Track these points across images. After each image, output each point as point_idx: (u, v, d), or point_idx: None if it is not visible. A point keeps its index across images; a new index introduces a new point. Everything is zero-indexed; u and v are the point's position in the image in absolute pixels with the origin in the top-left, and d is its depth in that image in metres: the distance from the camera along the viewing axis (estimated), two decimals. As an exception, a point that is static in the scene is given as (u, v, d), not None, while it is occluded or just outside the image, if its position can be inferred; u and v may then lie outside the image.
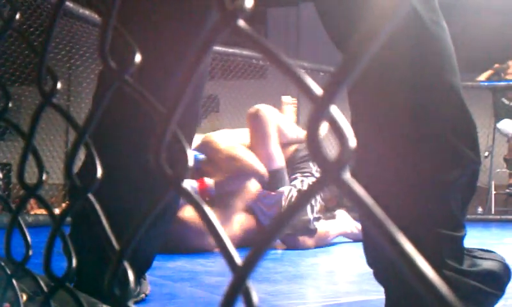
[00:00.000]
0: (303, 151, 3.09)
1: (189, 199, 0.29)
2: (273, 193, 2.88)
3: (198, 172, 2.84)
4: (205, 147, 2.89)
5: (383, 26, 0.19)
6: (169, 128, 0.27)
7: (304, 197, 0.21)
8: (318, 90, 0.21)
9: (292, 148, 3.12)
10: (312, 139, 0.20)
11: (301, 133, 3.20)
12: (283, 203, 2.87)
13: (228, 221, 2.72)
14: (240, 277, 0.23)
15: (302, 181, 3.00)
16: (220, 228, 0.26)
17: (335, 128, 0.20)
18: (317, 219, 2.96)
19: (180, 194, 0.28)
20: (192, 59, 0.27)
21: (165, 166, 0.28)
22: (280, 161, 2.95)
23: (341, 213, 3.36)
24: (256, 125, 2.90)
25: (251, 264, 0.23)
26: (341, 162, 0.20)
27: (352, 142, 0.21)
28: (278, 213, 2.62)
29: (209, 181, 2.76)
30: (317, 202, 3.07)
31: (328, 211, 3.31)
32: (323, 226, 3.02)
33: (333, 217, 3.32)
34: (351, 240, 3.25)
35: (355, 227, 3.25)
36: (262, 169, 2.83)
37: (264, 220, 2.87)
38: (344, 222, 3.27)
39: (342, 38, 0.91)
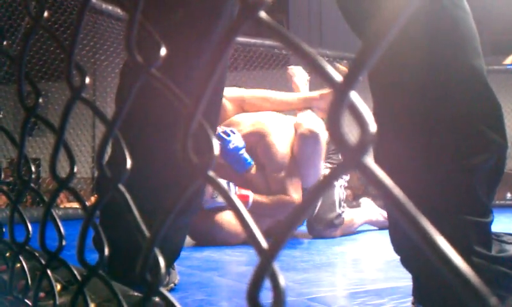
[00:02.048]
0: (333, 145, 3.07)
1: (217, 186, 0.30)
2: None
3: (242, 177, 2.71)
4: (264, 147, 2.68)
5: (400, 11, 0.20)
6: (194, 118, 0.28)
7: (327, 181, 0.22)
8: (338, 77, 0.21)
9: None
10: (334, 125, 0.21)
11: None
12: None
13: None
14: (267, 260, 0.24)
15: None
16: (247, 214, 0.27)
17: (356, 113, 0.21)
18: (343, 212, 2.96)
19: (208, 182, 0.29)
20: (215, 50, 0.28)
21: (192, 155, 0.29)
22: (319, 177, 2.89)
23: (366, 201, 3.35)
24: (312, 148, 2.71)
25: (277, 247, 0.23)
26: (362, 147, 0.21)
27: (373, 127, 0.21)
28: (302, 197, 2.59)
29: (249, 194, 2.63)
30: (344, 194, 3.06)
31: (354, 199, 3.31)
32: (349, 215, 3.02)
33: (358, 205, 3.32)
34: (377, 228, 3.24)
35: (380, 214, 3.25)
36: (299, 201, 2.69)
37: None
38: (369, 210, 3.26)
39: (361, 26, 0.91)
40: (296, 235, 2.91)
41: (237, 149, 2.64)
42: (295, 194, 2.67)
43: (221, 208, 2.56)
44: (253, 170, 2.71)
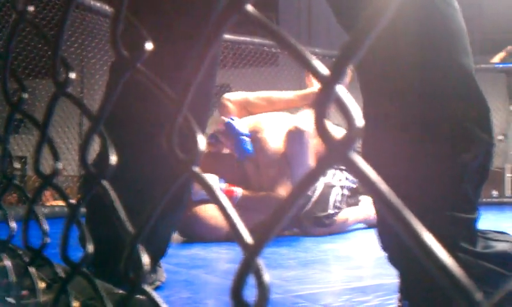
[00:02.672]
0: None
1: (201, 182, 0.29)
2: None
3: (240, 165, 2.78)
4: (259, 143, 2.78)
5: (388, 5, 0.20)
6: (180, 112, 0.28)
7: (312, 176, 0.22)
8: (325, 71, 0.21)
9: None
10: (320, 118, 0.21)
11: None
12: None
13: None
14: (251, 255, 0.23)
15: (334, 174, 3.01)
16: (231, 209, 0.27)
17: (342, 107, 0.21)
18: (337, 213, 2.95)
19: (192, 177, 0.29)
20: (202, 44, 0.28)
21: (177, 150, 0.29)
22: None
23: (365, 199, 3.29)
24: (298, 145, 2.76)
25: (261, 243, 0.23)
26: (348, 141, 0.20)
27: (360, 121, 0.21)
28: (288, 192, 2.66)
29: (237, 190, 2.69)
30: (344, 196, 3.04)
31: (353, 196, 3.24)
32: (343, 214, 3.00)
33: (357, 203, 3.25)
34: (366, 226, 3.23)
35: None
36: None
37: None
38: (367, 208, 3.21)
39: (350, 22, 0.91)
40: (283, 233, 2.91)
41: (241, 133, 2.75)
42: (282, 192, 2.69)
43: (208, 200, 2.60)
44: (252, 164, 2.77)
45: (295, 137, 2.76)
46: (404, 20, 0.82)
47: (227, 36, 5.44)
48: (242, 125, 2.80)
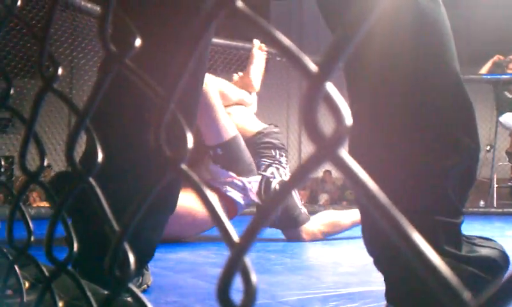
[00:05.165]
0: (266, 138, 2.98)
1: (189, 180, 0.29)
2: (236, 180, 2.74)
3: None
4: None
5: (376, 2, 0.20)
6: (168, 108, 0.27)
7: (300, 173, 0.21)
8: (314, 67, 0.21)
9: (254, 130, 2.97)
10: (308, 116, 0.20)
11: (244, 95, 3.13)
12: (252, 193, 2.78)
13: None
14: (238, 254, 0.23)
15: (278, 169, 2.93)
16: (218, 207, 0.26)
17: (331, 105, 0.21)
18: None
19: (180, 175, 0.28)
20: (191, 40, 0.27)
21: (165, 147, 0.28)
22: (231, 130, 2.72)
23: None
24: (204, 107, 2.58)
25: (248, 241, 0.23)
26: (337, 139, 0.20)
27: (349, 119, 0.21)
28: (272, 192, 2.62)
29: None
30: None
31: (331, 204, 3.27)
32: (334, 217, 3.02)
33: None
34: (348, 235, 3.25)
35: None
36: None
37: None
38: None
39: (338, 22, 0.91)
40: (270, 238, 2.91)
41: None
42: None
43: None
44: None
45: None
46: (393, 27, 0.82)
47: (218, 41, 5.44)
48: None
